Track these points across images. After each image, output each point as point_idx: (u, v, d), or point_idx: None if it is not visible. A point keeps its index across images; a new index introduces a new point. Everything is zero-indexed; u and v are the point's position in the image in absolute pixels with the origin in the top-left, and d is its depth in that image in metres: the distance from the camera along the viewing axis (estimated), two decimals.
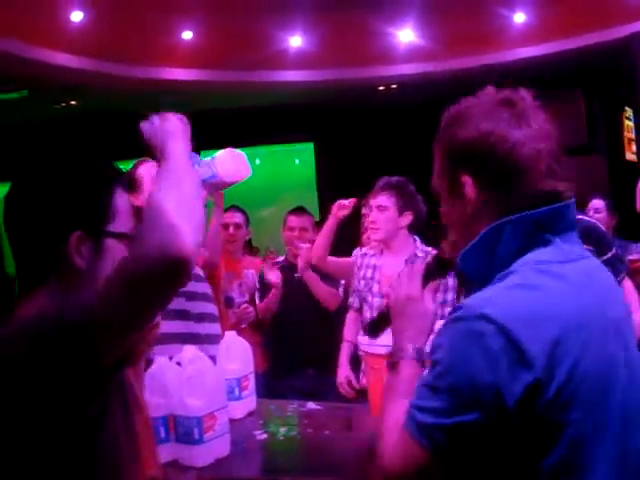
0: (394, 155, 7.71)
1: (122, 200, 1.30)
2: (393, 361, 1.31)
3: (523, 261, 1.16)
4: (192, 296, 2.71)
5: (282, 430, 2.33)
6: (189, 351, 2.15)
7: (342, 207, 3.65)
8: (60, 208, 1.22)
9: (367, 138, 9.03)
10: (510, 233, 1.18)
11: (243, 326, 3.77)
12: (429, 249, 3.16)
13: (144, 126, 1.41)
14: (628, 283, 3.61)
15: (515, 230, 1.18)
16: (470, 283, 1.27)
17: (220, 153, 2.62)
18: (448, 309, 3.10)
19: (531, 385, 1.04)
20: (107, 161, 1.35)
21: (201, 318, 2.73)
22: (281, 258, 4.29)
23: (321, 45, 6.93)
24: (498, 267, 1.17)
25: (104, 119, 8.49)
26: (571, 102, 7.87)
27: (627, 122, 8.35)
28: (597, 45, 6.96)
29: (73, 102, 8.16)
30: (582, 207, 3.96)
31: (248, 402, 2.49)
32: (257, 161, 9.83)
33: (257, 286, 4.16)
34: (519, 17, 6.58)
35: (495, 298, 1.11)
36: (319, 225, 4.07)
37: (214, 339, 2.67)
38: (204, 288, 2.81)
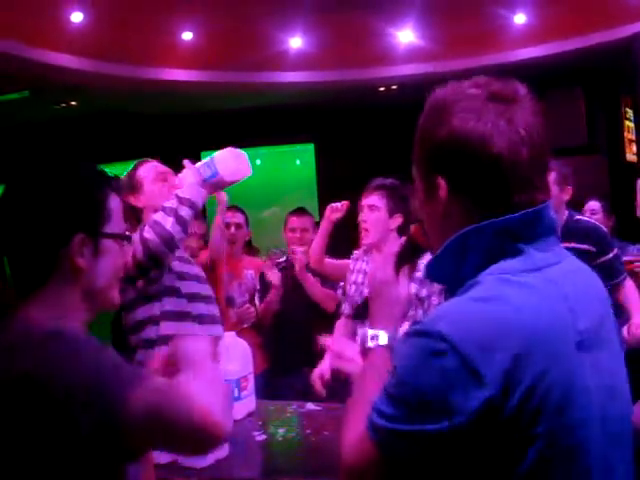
0: (394, 156, 7.70)
1: (115, 202, 1.33)
2: (367, 347, 1.30)
3: (489, 271, 1.12)
4: (194, 297, 2.71)
5: (281, 431, 2.34)
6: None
7: (335, 210, 3.67)
8: (61, 211, 1.25)
9: (368, 139, 9.03)
10: (477, 241, 1.14)
11: (245, 326, 3.78)
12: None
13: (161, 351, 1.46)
14: (630, 283, 3.61)
15: (482, 238, 1.13)
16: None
17: (220, 152, 2.62)
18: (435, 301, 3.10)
19: (485, 404, 1.01)
20: (94, 164, 1.37)
21: (203, 320, 2.73)
22: (283, 259, 4.30)
23: (321, 46, 6.93)
24: (466, 276, 1.14)
25: (104, 119, 8.50)
26: (571, 102, 7.87)
27: (627, 123, 8.35)
28: (597, 45, 6.96)
29: (73, 103, 8.16)
30: (580, 208, 3.96)
31: (247, 403, 2.49)
32: (258, 162, 9.83)
33: (257, 287, 4.17)
34: (519, 18, 6.58)
35: (453, 314, 1.08)
36: (320, 225, 4.08)
37: (216, 341, 2.67)
38: (206, 290, 2.81)
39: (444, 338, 1.03)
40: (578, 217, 3.68)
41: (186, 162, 2.61)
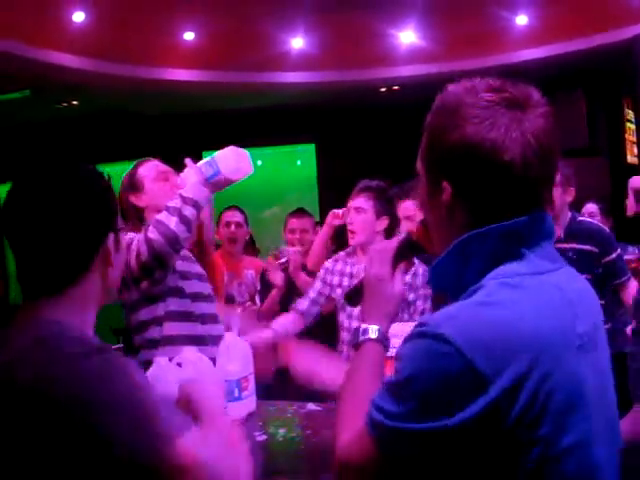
0: (395, 156, 7.71)
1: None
2: (357, 342, 1.30)
3: (493, 275, 1.12)
4: (196, 297, 2.71)
5: (282, 431, 2.33)
6: (189, 352, 2.15)
7: (336, 216, 3.69)
8: (96, 212, 1.28)
9: (369, 139, 9.03)
10: (481, 246, 1.14)
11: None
12: None
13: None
14: (634, 282, 3.62)
15: (487, 243, 1.13)
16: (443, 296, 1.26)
17: (222, 151, 2.62)
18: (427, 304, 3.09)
19: (489, 407, 1.02)
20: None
21: (205, 319, 2.73)
22: (284, 259, 4.31)
23: (323, 46, 6.93)
24: (470, 280, 1.14)
25: (106, 119, 8.50)
26: (572, 104, 7.86)
27: (629, 124, 8.34)
28: (599, 47, 6.96)
29: (75, 102, 8.16)
30: (579, 210, 3.98)
31: (248, 403, 2.49)
32: (259, 162, 9.82)
33: (257, 287, 4.17)
34: (521, 19, 6.58)
35: (457, 317, 1.07)
36: (320, 225, 4.09)
37: (218, 340, 2.67)
38: (207, 289, 2.81)
39: (449, 341, 1.03)
40: (581, 218, 3.70)
41: (188, 161, 2.60)
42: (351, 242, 3.24)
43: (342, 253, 3.36)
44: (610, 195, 7.49)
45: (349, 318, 3.19)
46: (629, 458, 1.26)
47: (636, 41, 6.82)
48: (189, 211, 2.46)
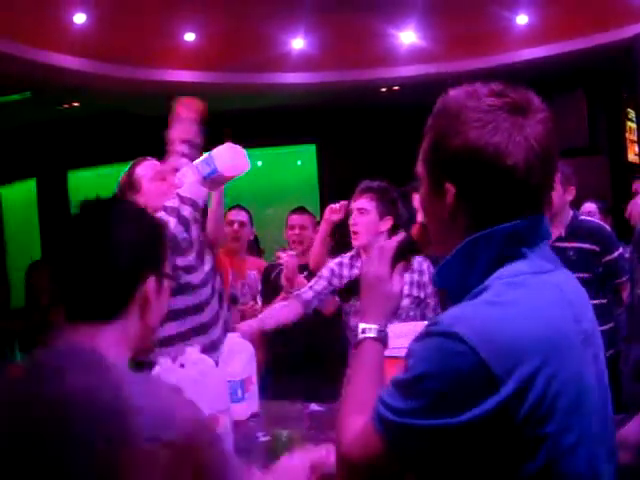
0: (396, 156, 7.71)
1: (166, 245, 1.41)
2: (357, 340, 1.32)
3: (497, 275, 1.14)
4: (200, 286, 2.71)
5: (285, 432, 2.33)
6: (192, 353, 2.15)
7: (334, 211, 3.67)
8: (141, 251, 1.31)
9: (369, 139, 9.03)
10: (487, 247, 1.15)
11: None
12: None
13: None
14: None
15: (490, 244, 1.15)
16: (448, 297, 1.27)
17: (218, 148, 2.63)
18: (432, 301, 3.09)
19: (500, 405, 1.03)
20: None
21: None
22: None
23: (323, 47, 6.93)
24: (474, 281, 1.15)
25: (107, 120, 8.50)
26: (573, 103, 7.87)
27: (629, 124, 8.34)
28: (599, 46, 6.96)
29: (76, 104, 8.16)
30: (578, 210, 3.98)
31: (251, 404, 2.49)
32: (259, 163, 9.83)
33: (259, 287, 4.17)
34: (521, 19, 6.58)
35: (468, 316, 1.09)
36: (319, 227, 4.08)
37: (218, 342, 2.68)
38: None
39: (463, 340, 1.05)
40: (582, 217, 3.70)
41: (184, 160, 2.60)
42: (354, 243, 3.22)
43: (346, 256, 3.35)
44: (611, 194, 7.49)
45: (356, 317, 3.20)
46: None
47: (636, 40, 6.81)
48: (187, 211, 2.46)
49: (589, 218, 3.84)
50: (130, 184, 2.73)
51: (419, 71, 7.47)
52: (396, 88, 8.13)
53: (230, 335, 2.53)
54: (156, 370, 2.05)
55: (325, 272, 3.33)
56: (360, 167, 8.56)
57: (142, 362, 2.30)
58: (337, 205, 3.68)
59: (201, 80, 7.42)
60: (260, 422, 2.45)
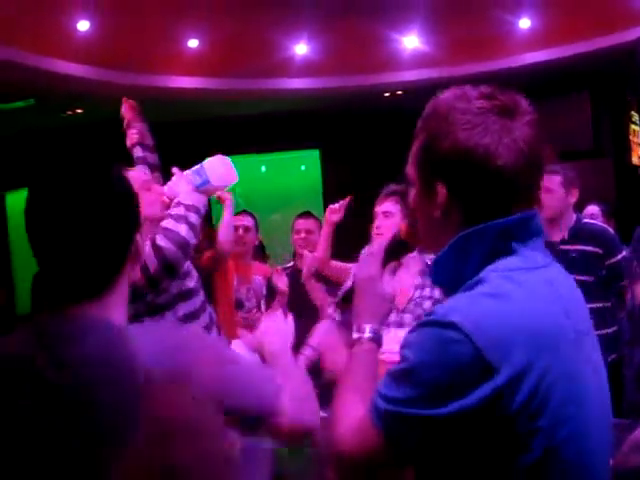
0: (400, 161, 7.70)
1: None
2: (351, 340, 1.33)
3: (491, 269, 1.16)
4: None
5: None
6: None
7: (334, 211, 3.68)
8: (125, 213, 1.27)
9: (373, 144, 9.04)
10: (479, 243, 1.18)
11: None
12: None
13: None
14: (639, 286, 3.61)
15: (482, 239, 1.18)
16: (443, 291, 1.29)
17: (209, 160, 2.67)
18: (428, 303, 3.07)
19: (494, 394, 1.05)
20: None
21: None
22: (290, 264, 4.31)
23: (326, 52, 6.95)
24: (467, 275, 1.18)
25: (111, 127, 8.51)
26: (577, 106, 7.86)
27: (633, 126, 8.33)
28: (603, 49, 6.95)
29: (79, 110, 8.19)
30: (581, 212, 3.98)
31: None
32: (263, 168, 9.84)
33: (264, 293, 4.18)
34: (524, 22, 6.58)
35: (464, 306, 1.11)
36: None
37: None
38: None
39: (459, 328, 1.07)
40: (586, 220, 3.69)
41: (175, 170, 2.62)
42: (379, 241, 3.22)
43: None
44: (615, 197, 7.48)
45: (386, 326, 3.19)
46: None
47: None
48: (194, 217, 2.48)
49: (592, 221, 3.84)
50: None
51: (422, 76, 7.47)
52: (399, 93, 8.14)
53: (234, 342, 2.53)
54: None
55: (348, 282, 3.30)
56: (364, 172, 8.60)
57: None
58: (336, 205, 3.69)
59: (205, 86, 7.44)
60: None
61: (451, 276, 1.22)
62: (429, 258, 3.20)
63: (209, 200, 2.73)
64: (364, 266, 1.41)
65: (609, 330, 3.47)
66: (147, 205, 2.62)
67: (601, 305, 3.43)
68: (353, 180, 8.23)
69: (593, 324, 1.25)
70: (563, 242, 3.44)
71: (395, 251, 1.42)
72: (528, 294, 1.13)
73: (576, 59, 7.10)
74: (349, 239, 3.70)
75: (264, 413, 1.28)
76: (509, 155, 1.16)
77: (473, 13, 6.22)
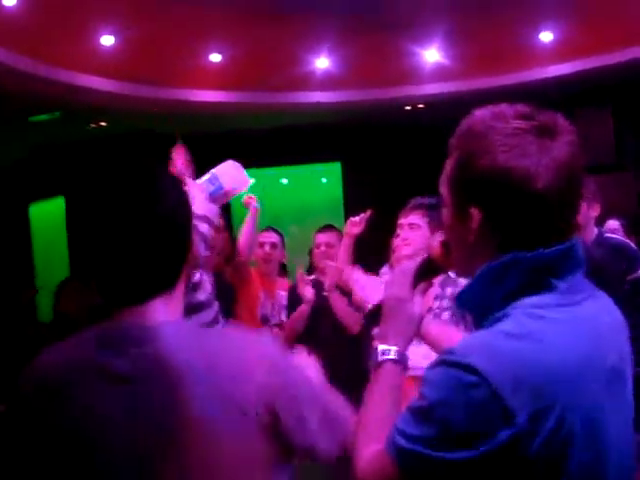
0: (421, 174, 7.71)
1: None
2: (377, 362, 1.30)
3: (519, 304, 1.12)
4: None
5: None
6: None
7: (354, 224, 3.66)
8: (186, 213, 1.27)
9: (394, 157, 9.04)
10: (510, 274, 1.13)
11: None
12: None
13: None
14: None
15: (515, 271, 1.13)
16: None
17: (221, 166, 2.66)
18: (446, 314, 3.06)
19: (513, 438, 1.02)
20: None
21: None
22: (312, 276, 4.31)
23: (347, 66, 6.97)
24: (495, 308, 1.14)
25: (134, 140, 8.59)
26: (599, 119, 7.82)
27: None
28: (626, 62, 6.92)
29: (104, 123, 8.27)
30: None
31: None
32: (284, 181, 9.86)
33: (284, 303, 4.18)
34: (546, 36, 6.57)
35: (483, 347, 1.08)
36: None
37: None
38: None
39: (476, 371, 1.04)
40: (608, 235, 3.67)
41: (188, 180, 2.62)
42: (404, 252, 3.21)
43: (386, 269, 3.34)
44: (637, 211, 7.41)
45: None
46: None
47: None
48: (205, 228, 2.47)
49: (614, 235, 3.82)
50: None
51: (443, 89, 7.47)
52: (421, 106, 8.14)
53: None
54: None
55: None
56: (385, 184, 8.59)
57: None
58: (357, 218, 3.69)
59: (227, 100, 7.49)
60: None
61: (478, 306, 1.18)
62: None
63: (229, 209, 2.74)
64: (394, 286, 1.36)
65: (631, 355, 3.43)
66: None
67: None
68: (374, 192, 8.23)
69: None
70: None
71: (426, 272, 1.38)
72: (555, 331, 1.09)
73: (598, 72, 7.08)
74: (369, 252, 3.70)
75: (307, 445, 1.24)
76: (548, 177, 1.10)
77: (493, 27, 6.21)
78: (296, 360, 1.33)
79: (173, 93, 7.22)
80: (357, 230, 3.69)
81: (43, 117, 7.56)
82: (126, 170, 1.28)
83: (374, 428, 1.19)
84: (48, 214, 9.94)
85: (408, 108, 8.25)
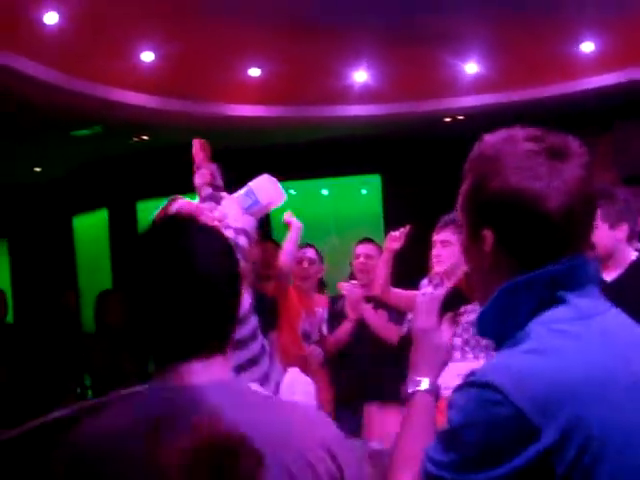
0: (460, 186, 7.65)
1: None
2: (408, 393, 1.31)
3: (537, 321, 1.12)
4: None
5: None
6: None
7: (394, 239, 3.66)
8: (237, 269, 1.26)
9: (433, 169, 9.00)
10: (525, 292, 1.14)
11: (312, 367, 3.77)
12: None
13: None
14: None
15: (528, 291, 1.14)
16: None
17: (256, 181, 2.67)
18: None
19: (539, 456, 1.01)
20: None
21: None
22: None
23: (386, 79, 6.97)
24: (514, 327, 1.14)
25: (176, 154, 8.69)
26: (638, 131, 7.69)
27: None
28: None
29: (145, 137, 8.39)
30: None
31: None
32: (324, 192, 9.88)
33: (325, 317, 4.18)
34: (587, 46, 6.49)
35: (504, 366, 1.08)
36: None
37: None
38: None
39: (498, 389, 1.04)
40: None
41: (224, 194, 2.63)
42: (437, 268, 3.22)
43: (425, 281, 3.33)
44: None
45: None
46: None
47: None
48: (243, 240, 2.48)
49: None
50: None
51: (483, 101, 7.42)
52: (460, 118, 8.10)
53: (291, 369, 2.53)
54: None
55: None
56: (424, 197, 8.55)
57: None
58: (397, 233, 3.68)
59: (266, 114, 7.54)
60: None
61: (497, 329, 1.18)
62: None
63: (269, 223, 2.76)
64: (421, 315, 1.38)
65: None
66: None
67: None
68: (414, 205, 8.21)
69: None
70: None
71: (452, 302, 1.39)
72: (576, 345, 1.09)
73: (639, 84, 6.96)
74: (409, 265, 3.69)
75: None
76: (559, 198, 1.12)
77: (533, 37, 6.16)
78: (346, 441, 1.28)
79: (212, 108, 7.29)
80: (397, 245, 3.68)
81: (85, 132, 7.70)
82: (157, 236, 1.26)
83: (406, 460, 1.19)
84: (91, 226, 10.11)
85: (447, 120, 8.22)
